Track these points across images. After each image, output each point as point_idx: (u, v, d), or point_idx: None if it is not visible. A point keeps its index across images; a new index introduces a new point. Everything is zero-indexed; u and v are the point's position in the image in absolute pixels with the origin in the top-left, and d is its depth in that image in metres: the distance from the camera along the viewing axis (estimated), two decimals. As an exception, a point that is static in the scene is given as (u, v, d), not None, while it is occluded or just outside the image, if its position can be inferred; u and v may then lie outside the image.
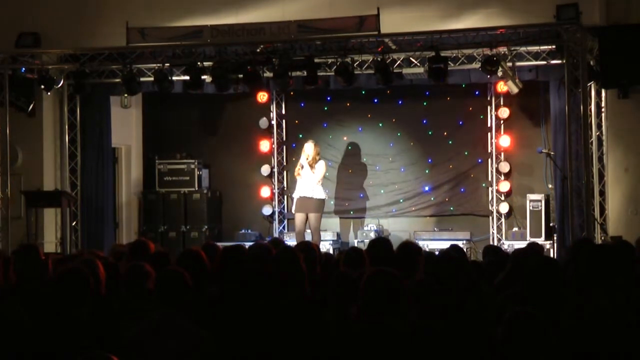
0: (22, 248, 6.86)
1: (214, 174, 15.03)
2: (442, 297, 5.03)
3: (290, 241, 12.31)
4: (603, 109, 12.54)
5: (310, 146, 12.83)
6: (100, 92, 13.67)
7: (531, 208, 13.10)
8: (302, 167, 12.72)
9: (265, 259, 5.98)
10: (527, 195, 13.34)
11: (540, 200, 13.07)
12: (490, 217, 14.04)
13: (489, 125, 14.06)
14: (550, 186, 13.28)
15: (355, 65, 12.47)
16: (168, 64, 12.64)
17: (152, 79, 12.87)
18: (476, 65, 12.33)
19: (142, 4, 12.91)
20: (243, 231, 14.27)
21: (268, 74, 12.67)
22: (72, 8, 13.12)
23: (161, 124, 15.23)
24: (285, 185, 14.85)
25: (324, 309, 5.12)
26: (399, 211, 14.39)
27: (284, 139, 14.90)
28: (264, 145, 14.72)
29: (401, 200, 14.39)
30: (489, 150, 14.07)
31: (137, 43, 12.16)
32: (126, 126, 14.78)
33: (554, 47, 12.00)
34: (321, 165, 12.84)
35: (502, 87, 13.22)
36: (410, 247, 6.12)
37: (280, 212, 14.81)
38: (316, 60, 12.28)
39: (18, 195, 12.95)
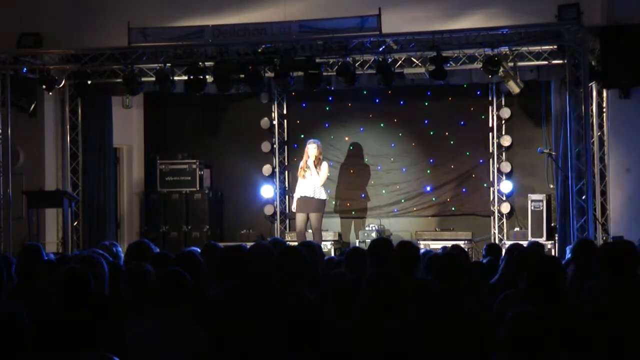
0: (24, 248, 6.88)
1: (216, 174, 15.03)
2: (443, 297, 5.03)
3: (291, 241, 12.30)
4: (604, 109, 12.53)
5: (313, 147, 12.79)
6: (102, 92, 13.65)
7: (532, 208, 13.07)
8: (308, 167, 12.66)
9: (266, 259, 5.97)
10: (529, 195, 13.32)
11: (541, 200, 13.04)
12: (492, 217, 14.03)
13: (490, 125, 14.05)
14: (551, 186, 13.27)
15: (356, 65, 12.46)
16: (169, 64, 12.63)
17: (153, 79, 12.86)
18: (477, 65, 12.32)
19: (143, 4, 12.90)
20: (244, 231, 14.27)
21: (269, 74, 12.67)
22: (74, 8, 13.12)
23: (163, 124, 15.23)
24: (286, 185, 14.85)
25: (324, 309, 5.13)
26: (400, 211, 14.39)
27: (286, 139, 14.89)
28: (266, 146, 14.72)
29: (402, 201, 14.39)
30: (491, 150, 14.06)
31: (138, 43, 12.16)
32: (127, 126, 14.79)
33: (555, 47, 11.99)
34: (324, 167, 12.80)
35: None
36: (408, 247, 6.13)
37: (281, 212, 14.80)
38: (317, 60, 12.28)
39: (19, 195, 12.93)
